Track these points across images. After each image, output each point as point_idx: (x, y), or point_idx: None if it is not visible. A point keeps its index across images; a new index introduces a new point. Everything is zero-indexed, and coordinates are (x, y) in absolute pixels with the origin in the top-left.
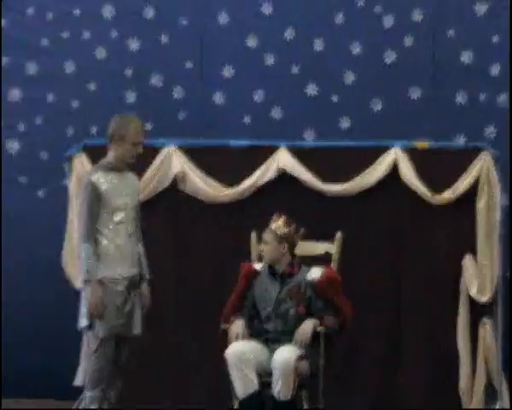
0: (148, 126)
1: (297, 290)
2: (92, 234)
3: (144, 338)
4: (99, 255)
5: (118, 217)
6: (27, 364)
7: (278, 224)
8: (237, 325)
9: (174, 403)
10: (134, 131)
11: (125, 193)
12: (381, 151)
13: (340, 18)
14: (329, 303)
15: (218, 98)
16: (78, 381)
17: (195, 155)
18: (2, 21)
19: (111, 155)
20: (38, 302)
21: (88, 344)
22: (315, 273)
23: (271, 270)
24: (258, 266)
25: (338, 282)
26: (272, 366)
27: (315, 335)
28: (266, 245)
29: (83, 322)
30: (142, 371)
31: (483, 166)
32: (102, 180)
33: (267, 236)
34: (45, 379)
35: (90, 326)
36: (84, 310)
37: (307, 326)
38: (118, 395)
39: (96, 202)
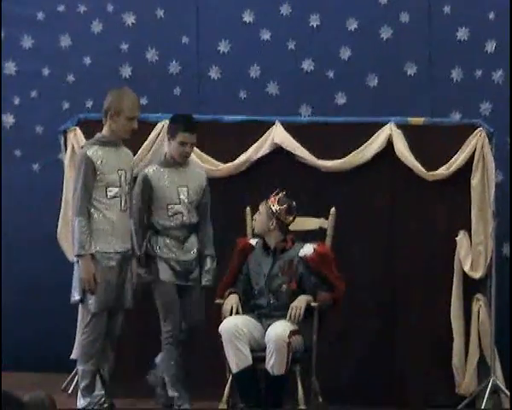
0: (144, 101)
1: (289, 266)
2: (86, 208)
3: (138, 312)
4: (92, 230)
5: (112, 192)
6: (24, 337)
7: (273, 199)
8: (231, 300)
9: None
10: (130, 106)
11: (120, 168)
12: (376, 127)
13: None
14: (322, 279)
15: (214, 73)
16: (74, 354)
17: None
18: None
19: (106, 130)
20: (34, 274)
21: (83, 318)
22: (307, 249)
23: (265, 245)
24: (253, 241)
25: (330, 257)
26: (266, 341)
27: (308, 310)
28: (259, 215)
29: (75, 296)
30: (136, 344)
31: (478, 142)
32: (97, 154)
33: (261, 207)
34: (43, 352)
35: (82, 300)
36: (76, 284)
37: (300, 302)
38: (111, 368)
39: (91, 176)
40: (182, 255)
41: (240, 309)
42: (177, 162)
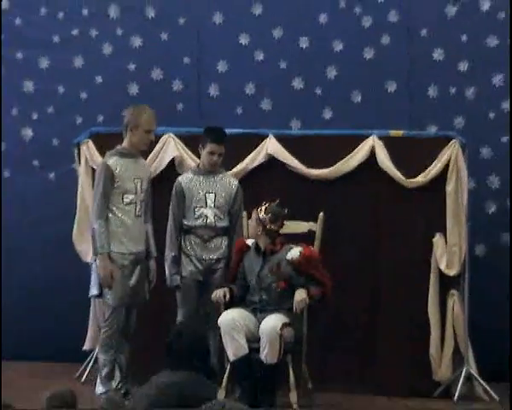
0: None
1: (277, 268)
2: (104, 212)
3: (151, 308)
4: (109, 232)
5: (128, 198)
6: (41, 329)
7: (262, 208)
8: (220, 290)
9: None
10: (147, 120)
11: (136, 177)
12: (359, 139)
13: (323, 18)
14: (310, 278)
15: (213, 91)
16: (87, 345)
17: (192, 141)
18: (18, 19)
19: (126, 142)
20: (50, 274)
21: (101, 312)
22: (294, 253)
23: (257, 247)
24: (249, 242)
25: (315, 258)
26: (260, 333)
27: None
28: (251, 221)
29: (93, 291)
30: (149, 336)
31: (452, 153)
32: (117, 164)
33: (253, 214)
34: (58, 344)
35: (100, 295)
36: (94, 280)
37: (302, 295)
38: (127, 358)
39: (110, 183)
40: (205, 254)
41: (227, 296)
42: (208, 170)
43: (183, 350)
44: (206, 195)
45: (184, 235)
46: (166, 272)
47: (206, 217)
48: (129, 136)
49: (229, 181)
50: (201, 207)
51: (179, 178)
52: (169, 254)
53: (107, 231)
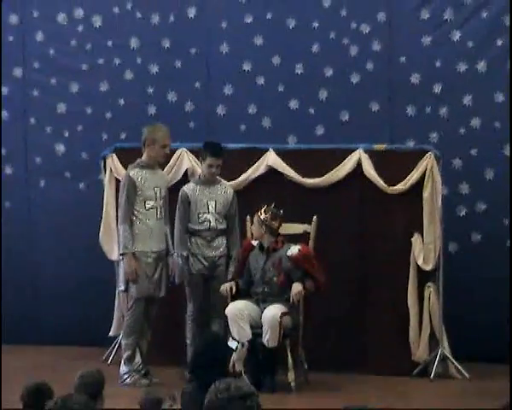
0: None
1: (278, 263)
2: (128, 217)
3: (168, 301)
4: (133, 234)
5: (149, 204)
6: (76, 319)
7: (261, 211)
8: (227, 284)
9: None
10: (162, 136)
11: (156, 186)
12: (347, 152)
13: (315, 47)
14: (306, 272)
15: (220, 111)
16: (113, 332)
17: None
18: (52, 49)
19: (145, 156)
20: (80, 270)
21: (125, 304)
22: (293, 250)
23: (261, 246)
24: (254, 242)
25: (311, 256)
26: (262, 321)
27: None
28: (253, 226)
29: (120, 286)
30: (165, 325)
31: (428, 164)
32: (138, 175)
33: (254, 218)
34: (89, 330)
35: (126, 289)
36: (121, 277)
37: (299, 288)
38: (147, 343)
39: (132, 191)
40: (209, 252)
41: (233, 290)
42: (208, 180)
43: (209, 356)
44: (208, 202)
45: (190, 237)
46: (178, 269)
47: (210, 221)
48: (147, 150)
49: (226, 190)
50: (205, 212)
51: (184, 188)
52: (180, 253)
53: (131, 234)
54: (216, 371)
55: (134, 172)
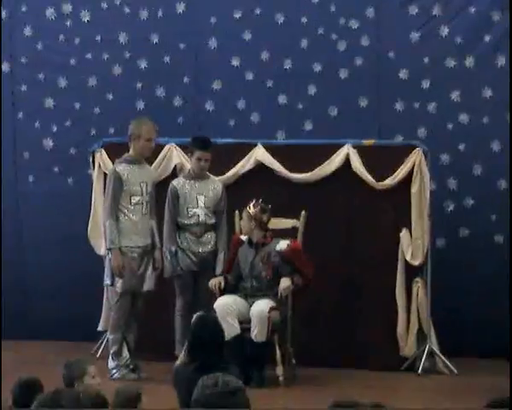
0: None
1: (267, 257)
2: (114, 212)
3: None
4: (119, 229)
5: (135, 199)
6: (63, 314)
7: (250, 206)
8: (216, 279)
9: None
10: (146, 130)
11: (142, 181)
12: (336, 148)
13: (304, 43)
14: (294, 267)
15: (209, 106)
16: (101, 327)
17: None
18: (40, 44)
19: (131, 151)
20: (69, 265)
21: (111, 298)
22: (282, 245)
23: (250, 240)
24: (243, 237)
25: (300, 251)
26: (251, 315)
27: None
28: (243, 221)
29: (107, 280)
30: (154, 318)
31: (416, 159)
32: (124, 170)
33: (243, 214)
34: (77, 325)
35: (112, 284)
36: (107, 271)
37: (287, 283)
38: (135, 338)
39: (119, 187)
40: (198, 248)
41: (222, 285)
42: (198, 175)
43: (208, 338)
44: (198, 196)
45: (179, 232)
46: (166, 264)
47: (199, 216)
48: (133, 145)
49: (215, 185)
50: (194, 207)
51: (173, 183)
52: (169, 248)
53: (116, 229)
54: (215, 354)
55: (120, 167)
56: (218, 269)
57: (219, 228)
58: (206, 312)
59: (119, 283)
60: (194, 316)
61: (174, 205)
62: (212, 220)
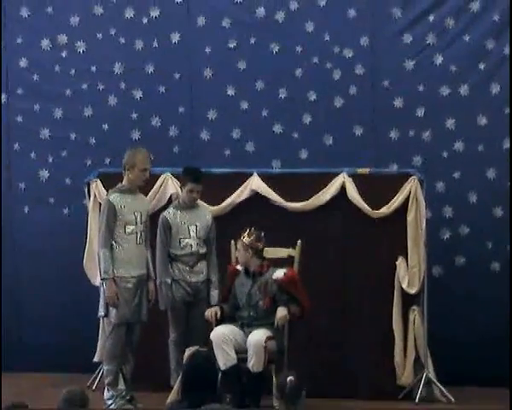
0: None
1: (264, 287)
2: (109, 242)
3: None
4: (114, 259)
5: (129, 228)
6: (57, 345)
7: (244, 236)
8: (212, 309)
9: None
10: (141, 160)
11: (136, 210)
12: (331, 176)
13: (299, 72)
14: (291, 296)
15: (204, 135)
16: (97, 357)
17: None
18: (35, 75)
19: (125, 180)
20: (65, 296)
21: (106, 328)
22: (279, 273)
23: (246, 270)
24: (239, 267)
25: (297, 280)
26: (247, 345)
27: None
28: (238, 252)
29: (101, 311)
30: (150, 349)
31: (412, 187)
32: (118, 200)
33: (238, 244)
34: (72, 357)
35: (106, 315)
36: (102, 302)
37: (283, 312)
38: (131, 369)
39: (112, 216)
40: (191, 278)
41: (218, 315)
42: (188, 205)
43: (200, 376)
44: (189, 227)
45: (171, 262)
46: (162, 295)
47: (191, 246)
48: (127, 174)
49: (205, 213)
50: (186, 237)
51: (164, 214)
52: (164, 279)
53: (110, 259)
54: (207, 391)
55: (113, 197)
56: (214, 294)
57: (210, 256)
58: (199, 346)
59: (113, 313)
60: (186, 352)
61: (166, 236)
62: (204, 249)
